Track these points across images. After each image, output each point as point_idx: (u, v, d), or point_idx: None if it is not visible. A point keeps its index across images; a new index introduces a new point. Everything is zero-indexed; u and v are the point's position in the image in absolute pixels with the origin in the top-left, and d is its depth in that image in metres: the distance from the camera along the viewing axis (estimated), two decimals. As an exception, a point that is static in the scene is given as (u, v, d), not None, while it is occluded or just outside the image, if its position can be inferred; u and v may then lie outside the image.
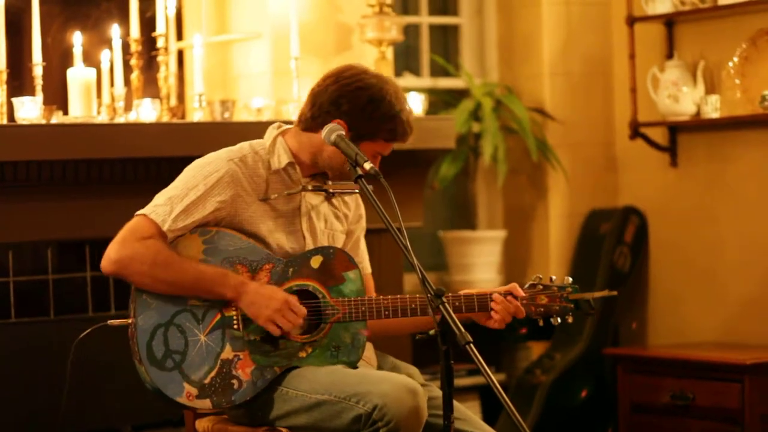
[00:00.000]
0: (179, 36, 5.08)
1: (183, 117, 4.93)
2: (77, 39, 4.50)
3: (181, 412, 3.50)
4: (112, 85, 4.62)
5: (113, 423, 4.50)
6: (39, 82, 4.34)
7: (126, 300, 3.31)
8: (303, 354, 3.33)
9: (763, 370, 4.92)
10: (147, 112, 4.59)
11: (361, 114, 3.32)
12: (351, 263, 3.40)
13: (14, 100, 4.31)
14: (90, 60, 4.58)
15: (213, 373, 3.26)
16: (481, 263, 5.70)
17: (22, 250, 4.39)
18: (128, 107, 4.65)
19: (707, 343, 5.45)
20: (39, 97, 4.33)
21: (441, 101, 5.87)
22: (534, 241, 5.88)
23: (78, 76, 4.38)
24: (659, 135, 5.64)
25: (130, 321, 3.28)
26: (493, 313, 3.37)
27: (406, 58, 5.96)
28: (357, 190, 3.37)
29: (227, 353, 3.28)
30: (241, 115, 5.00)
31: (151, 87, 4.79)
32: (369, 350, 3.51)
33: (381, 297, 3.36)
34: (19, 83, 4.66)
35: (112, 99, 4.62)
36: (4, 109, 4.30)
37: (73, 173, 4.32)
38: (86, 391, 4.24)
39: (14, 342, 4.34)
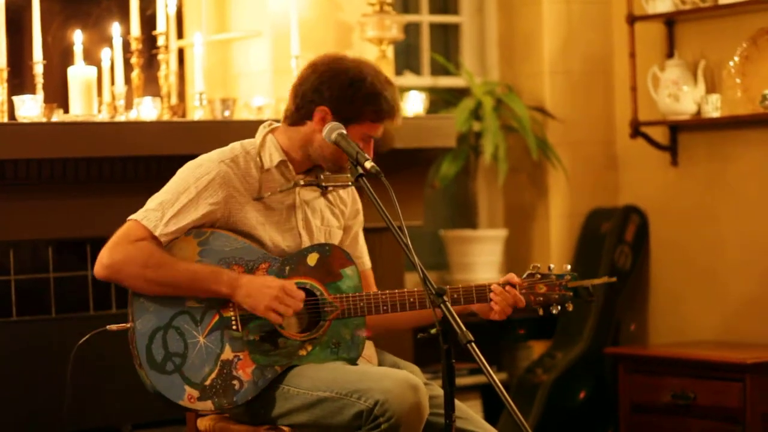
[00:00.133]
0: (180, 34, 5.08)
1: (183, 115, 4.93)
2: (78, 37, 4.50)
3: (183, 412, 3.50)
4: (112, 83, 4.62)
5: (114, 422, 4.49)
6: (40, 81, 4.34)
7: (127, 298, 3.31)
8: (303, 352, 3.33)
9: (764, 369, 4.92)
10: (147, 110, 4.59)
11: (343, 97, 3.32)
12: (347, 259, 3.40)
13: (15, 98, 4.31)
14: (90, 58, 4.57)
15: (213, 375, 3.25)
16: (481, 262, 5.70)
17: (23, 249, 4.39)
18: (129, 105, 4.65)
19: (708, 342, 5.45)
20: (40, 95, 4.32)
21: (441, 100, 5.87)
22: (535, 239, 5.88)
23: (79, 74, 4.38)
24: (660, 134, 5.64)
25: (128, 325, 3.27)
26: (492, 304, 3.37)
27: (406, 57, 5.96)
28: (350, 183, 3.35)
29: (227, 354, 3.27)
30: (242, 114, 5.00)
31: (151, 85, 4.79)
32: (370, 348, 3.51)
33: (379, 292, 3.36)
34: (20, 81, 4.66)
35: (113, 97, 4.62)
36: (5, 107, 4.30)
37: (73, 172, 4.32)
38: (87, 390, 4.23)
39: (15, 340, 4.34)
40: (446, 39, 6.12)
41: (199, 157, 3.38)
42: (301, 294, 3.28)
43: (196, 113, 4.76)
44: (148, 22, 4.79)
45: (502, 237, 5.82)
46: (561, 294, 3.43)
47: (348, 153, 3.22)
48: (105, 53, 4.63)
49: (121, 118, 4.56)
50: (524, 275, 3.43)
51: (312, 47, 5.12)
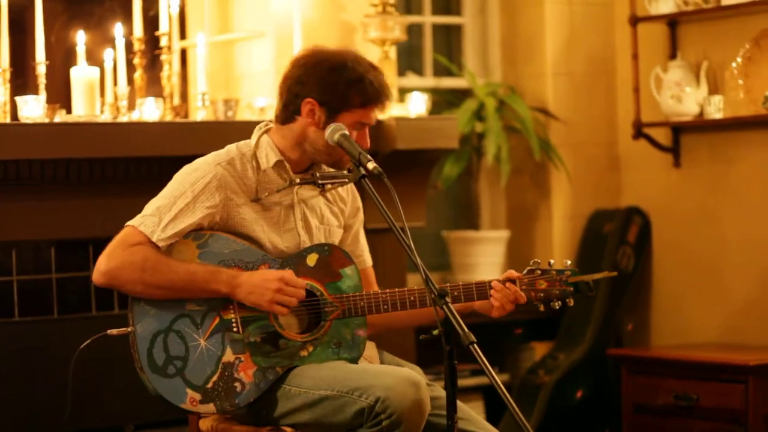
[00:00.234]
0: (182, 35, 5.08)
1: (186, 116, 4.93)
2: (80, 38, 4.50)
3: (186, 414, 3.50)
4: (115, 83, 4.62)
5: (116, 421, 4.49)
6: (42, 81, 4.34)
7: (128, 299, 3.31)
8: (304, 353, 3.33)
9: (766, 371, 4.92)
10: (150, 111, 4.58)
11: (326, 86, 3.31)
12: (347, 259, 3.40)
13: (17, 98, 4.31)
14: (93, 59, 4.57)
15: (215, 377, 3.25)
16: (484, 263, 5.70)
17: (25, 249, 4.39)
18: (131, 106, 4.65)
19: (710, 343, 5.45)
20: (42, 95, 4.33)
21: (444, 101, 5.86)
22: (537, 241, 5.88)
23: (81, 74, 4.38)
24: (662, 135, 5.64)
25: (129, 330, 3.27)
26: (493, 300, 3.37)
27: (409, 58, 5.96)
28: (347, 180, 3.32)
29: (228, 356, 3.27)
30: (244, 114, 5.00)
31: (154, 86, 4.79)
32: (371, 349, 3.51)
33: (379, 291, 3.36)
34: (23, 82, 4.65)
35: (116, 98, 4.62)
36: (8, 107, 4.31)
37: (76, 172, 4.32)
38: (89, 390, 4.23)
39: (17, 341, 4.34)
40: (449, 40, 6.12)
41: (195, 161, 3.37)
42: (302, 282, 3.28)
43: (199, 114, 4.76)
44: (151, 22, 4.79)
45: (504, 238, 5.82)
46: (561, 289, 3.42)
47: (351, 154, 3.22)
48: (108, 54, 4.63)
49: (123, 118, 4.56)
50: (524, 271, 3.43)
51: (315, 48, 5.13)
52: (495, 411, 5.44)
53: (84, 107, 4.37)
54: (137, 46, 4.66)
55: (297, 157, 3.40)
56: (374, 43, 5.23)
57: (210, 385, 3.24)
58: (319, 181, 3.37)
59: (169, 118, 4.71)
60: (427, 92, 5.33)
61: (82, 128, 4.32)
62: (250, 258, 3.32)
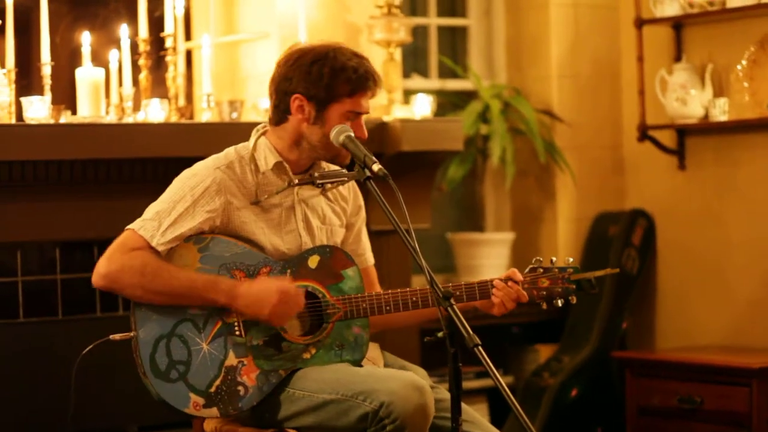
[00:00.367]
0: (187, 36, 5.08)
1: (191, 117, 4.93)
2: (86, 38, 4.51)
3: (190, 418, 3.49)
4: (120, 84, 4.62)
5: (119, 423, 4.49)
6: (47, 82, 4.35)
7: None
8: (307, 355, 3.32)
9: (770, 374, 4.92)
10: (155, 112, 4.58)
11: (310, 78, 3.29)
12: (349, 260, 3.40)
13: (23, 99, 4.31)
14: (98, 60, 4.58)
15: (218, 381, 3.25)
16: (488, 265, 5.69)
17: (29, 250, 4.39)
18: (136, 107, 4.65)
19: (715, 346, 5.44)
20: (47, 96, 4.33)
21: (449, 103, 5.86)
22: (542, 243, 5.87)
23: (86, 75, 4.38)
24: (667, 138, 5.63)
25: (131, 335, 3.26)
26: (493, 298, 3.36)
27: (414, 60, 5.96)
28: (347, 178, 3.31)
29: (231, 360, 3.27)
30: (250, 116, 4.99)
31: (159, 87, 4.79)
32: (375, 350, 3.51)
33: (381, 292, 3.36)
34: (28, 83, 4.66)
35: (121, 99, 4.62)
36: (13, 108, 4.31)
37: (81, 173, 4.32)
38: (92, 393, 4.24)
39: (22, 342, 4.34)
40: (454, 42, 6.12)
41: (195, 165, 3.37)
42: (300, 292, 3.28)
43: (204, 115, 4.76)
44: (156, 23, 4.79)
45: (509, 240, 5.82)
46: (564, 287, 3.42)
47: (355, 155, 3.22)
48: (113, 55, 4.63)
49: (128, 119, 4.56)
50: (527, 270, 3.43)
51: (320, 49, 5.13)
52: (499, 413, 5.44)
53: (89, 108, 4.37)
54: (142, 47, 4.66)
55: (296, 157, 3.39)
56: (379, 44, 5.23)
57: (213, 389, 3.24)
58: (318, 181, 3.35)
59: (174, 119, 4.70)
60: (432, 94, 5.33)
61: (87, 129, 4.32)
62: (252, 261, 3.32)
